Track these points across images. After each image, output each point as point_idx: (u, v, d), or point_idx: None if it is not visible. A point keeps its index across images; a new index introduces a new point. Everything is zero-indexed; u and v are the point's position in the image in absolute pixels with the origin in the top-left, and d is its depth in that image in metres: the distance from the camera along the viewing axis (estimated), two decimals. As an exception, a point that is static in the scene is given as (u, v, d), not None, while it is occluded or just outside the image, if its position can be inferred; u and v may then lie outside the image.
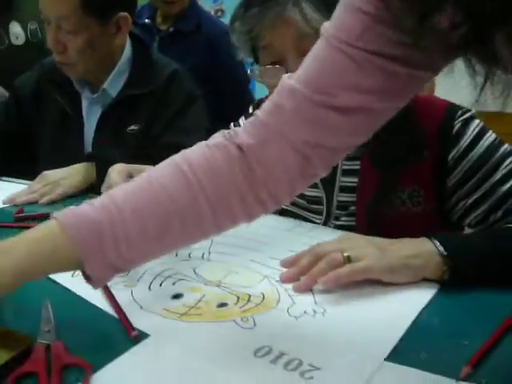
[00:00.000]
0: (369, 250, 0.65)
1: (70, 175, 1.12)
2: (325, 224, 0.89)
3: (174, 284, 0.64)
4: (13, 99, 1.36)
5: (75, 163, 1.18)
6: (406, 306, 0.60)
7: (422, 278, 0.65)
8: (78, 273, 0.63)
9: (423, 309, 0.59)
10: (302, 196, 0.92)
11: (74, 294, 0.61)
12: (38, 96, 1.33)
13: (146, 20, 1.78)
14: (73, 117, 1.27)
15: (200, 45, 1.73)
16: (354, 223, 0.85)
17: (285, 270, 0.68)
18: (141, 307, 0.57)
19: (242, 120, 1.03)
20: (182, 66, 1.70)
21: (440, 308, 0.61)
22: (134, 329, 0.51)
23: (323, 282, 0.62)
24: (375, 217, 0.83)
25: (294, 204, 0.94)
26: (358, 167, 0.85)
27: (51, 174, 1.11)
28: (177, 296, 0.60)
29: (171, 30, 1.76)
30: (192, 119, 1.27)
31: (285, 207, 0.95)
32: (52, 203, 1.05)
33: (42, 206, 1.02)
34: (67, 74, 1.24)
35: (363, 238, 0.69)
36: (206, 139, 1.38)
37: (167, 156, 1.21)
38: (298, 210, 0.94)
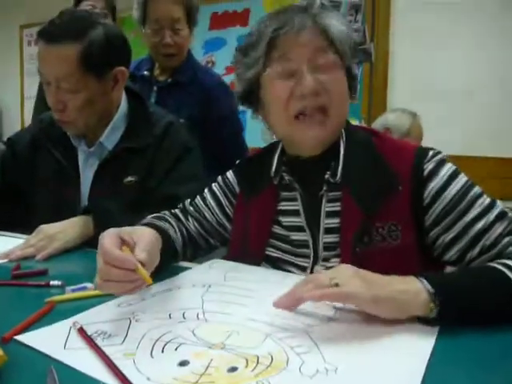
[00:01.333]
0: (356, 280, 0.64)
1: (67, 229, 1.07)
2: (313, 267, 0.87)
3: (176, 349, 0.58)
4: (9, 153, 1.33)
5: (72, 217, 1.13)
6: (412, 358, 0.57)
7: (409, 314, 0.64)
8: (70, 345, 0.60)
9: (429, 360, 0.57)
10: (288, 241, 0.91)
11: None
12: (34, 150, 1.30)
13: (145, 72, 1.79)
14: (69, 171, 1.25)
15: (196, 95, 1.74)
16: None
17: (284, 324, 0.65)
18: (148, 378, 0.51)
19: (229, 173, 1.03)
20: (179, 115, 1.71)
21: (443, 357, 0.58)
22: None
23: (308, 295, 0.62)
24: (358, 255, 0.81)
25: (279, 249, 0.92)
26: (339, 208, 0.86)
27: (48, 228, 1.06)
28: (183, 363, 0.55)
29: (169, 80, 1.76)
30: (187, 170, 1.24)
31: (270, 253, 0.93)
32: (49, 258, 1.00)
33: (39, 262, 0.98)
34: (67, 130, 1.22)
35: (352, 270, 0.67)
36: (201, 188, 1.39)
37: (164, 206, 1.22)
38: (284, 255, 0.92)
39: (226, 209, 1.01)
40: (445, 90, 2.57)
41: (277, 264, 0.92)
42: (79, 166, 1.26)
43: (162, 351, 0.58)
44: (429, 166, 0.82)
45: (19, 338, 0.61)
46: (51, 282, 0.81)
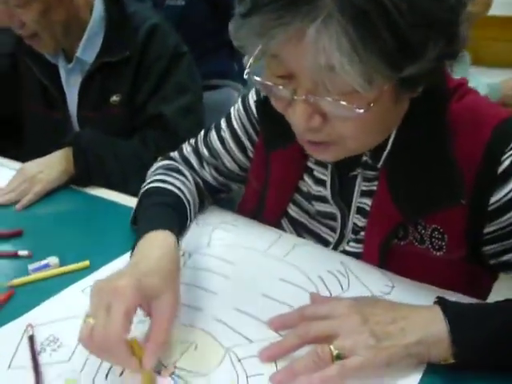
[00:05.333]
0: (364, 338, 0.52)
1: (48, 167, 0.99)
2: (339, 243, 0.75)
3: (120, 375, 0.54)
4: None
5: (62, 139, 1.07)
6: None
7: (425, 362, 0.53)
8: (16, 362, 0.57)
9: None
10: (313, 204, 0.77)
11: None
12: (15, 68, 1.18)
13: None
14: (52, 90, 1.13)
15: None
16: (361, 250, 0.72)
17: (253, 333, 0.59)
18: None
19: (252, 101, 0.81)
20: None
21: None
22: None
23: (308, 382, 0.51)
24: (387, 248, 0.67)
25: (303, 209, 0.78)
26: (375, 188, 0.68)
27: (29, 169, 0.99)
28: None
29: None
30: (176, 82, 1.09)
31: (292, 212, 0.79)
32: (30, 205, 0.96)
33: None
34: (38, 49, 1.08)
35: (361, 317, 0.54)
36: (194, 100, 1.22)
37: (150, 128, 1.10)
38: (307, 219, 0.78)
39: (249, 152, 0.83)
40: None
41: (297, 230, 0.80)
42: (63, 84, 1.15)
43: (106, 377, 0.55)
44: (506, 162, 0.59)
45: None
46: (19, 252, 0.78)
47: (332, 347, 0.52)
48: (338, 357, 0.51)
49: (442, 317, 0.53)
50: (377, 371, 0.52)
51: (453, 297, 0.62)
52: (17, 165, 1.07)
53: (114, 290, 0.53)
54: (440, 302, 0.55)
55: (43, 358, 0.58)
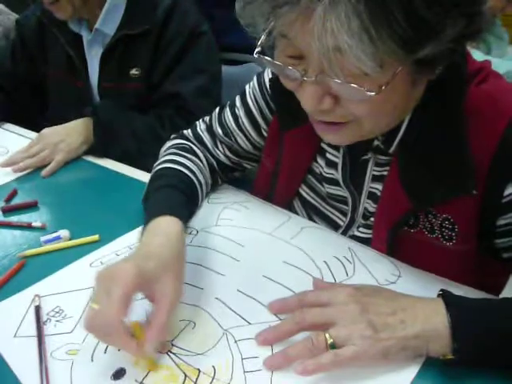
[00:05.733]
0: (360, 328, 0.51)
1: (69, 136, 1.01)
2: (349, 227, 0.74)
3: (119, 349, 0.55)
4: (18, 38, 1.25)
5: (83, 107, 1.09)
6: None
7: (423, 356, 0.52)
8: (22, 331, 0.59)
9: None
10: (326, 191, 0.76)
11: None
12: (41, 35, 1.20)
13: None
14: (74, 59, 1.15)
15: None
16: (370, 236, 0.71)
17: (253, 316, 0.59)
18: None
19: (267, 78, 0.80)
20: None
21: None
22: None
23: (300, 372, 0.51)
24: (396, 235, 0.66)
25: (314, 191, 0.78)
26: (386, 173, 0.67)
27: (49, 136, 1.01)
28: (118, 374, 0.52)
29: None
30: (194, 61, 1.09)
31: (303, 193, 0.79)
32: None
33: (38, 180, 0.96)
34: (57, 15, 1.08)
35: (360, 306, 0.53)
36: (210, 80, 1.20)
37: (167, 106, 1.10)
38: (318, 201, 0.78)
39: (263, 131, 0.82)
40: None
41: (308, 212, 0.80)
42: (86, 54, 1.16)
43: (105, 351, 0.56)
44: None
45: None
46: (33, 223, 0.81)
47: (327, 335, 0.51)
48: (333, 345, 0.51)
49: (443, 311, 0.51)
50: (373, 362, 0.51)
51: (461, 290, 0.62)
52: (33, 134, 1.10)
53: (112, 275, 0.53)
54: (444, 295, 0.54)
55: (48, 329, 0.60)
